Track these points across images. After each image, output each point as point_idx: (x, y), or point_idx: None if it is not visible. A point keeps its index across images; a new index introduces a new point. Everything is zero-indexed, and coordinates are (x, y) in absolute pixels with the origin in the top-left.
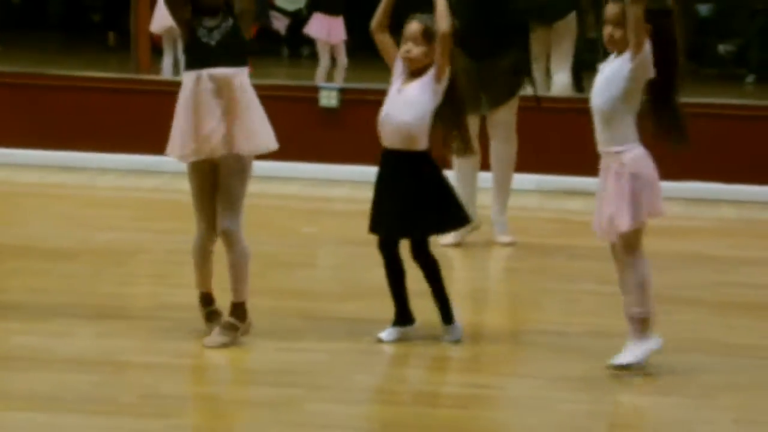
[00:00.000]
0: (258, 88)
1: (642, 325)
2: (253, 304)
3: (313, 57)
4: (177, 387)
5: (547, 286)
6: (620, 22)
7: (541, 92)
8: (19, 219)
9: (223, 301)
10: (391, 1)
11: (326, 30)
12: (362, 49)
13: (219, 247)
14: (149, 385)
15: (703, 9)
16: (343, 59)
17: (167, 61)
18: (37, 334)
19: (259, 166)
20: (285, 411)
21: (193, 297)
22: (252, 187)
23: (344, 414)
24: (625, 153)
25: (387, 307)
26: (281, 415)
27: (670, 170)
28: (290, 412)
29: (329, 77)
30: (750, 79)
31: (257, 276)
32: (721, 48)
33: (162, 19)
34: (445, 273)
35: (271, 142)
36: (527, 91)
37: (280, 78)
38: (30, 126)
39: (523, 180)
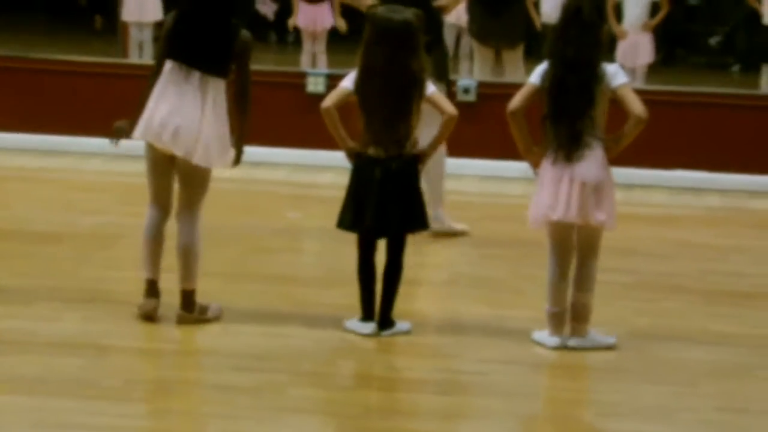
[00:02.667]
0: None
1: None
2: (236, 289)
3: (300, 43)
4: (161, 371)
5: (528, 273)
6: None
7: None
8: (4, 203)
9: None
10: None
11: (312, 19)
12: (348, 35)
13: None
14: (133, 369)
15: None
16: (320, 47)
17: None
18: (21, 317)
19: (246, 152)
20: (268, 396)
21: (177, 282)
22: (239, 172)
23: (327, 399)
24: None
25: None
26: (264, 400)
27: (656, 159)
28: (273, 398)
29: (314, 64)
30: (736, 68)
31: (241, 261)
32: (712, 41)
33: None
34: (423, 260)
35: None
36: None
37: (267, 64)
38: (15, 109)
39: (508, 167)
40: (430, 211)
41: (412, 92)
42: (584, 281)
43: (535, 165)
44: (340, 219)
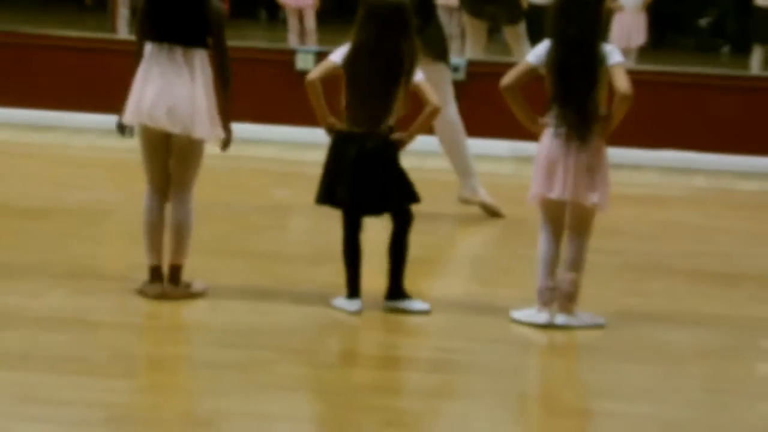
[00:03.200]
0: (234, 51)
1: None
2: (224, 266)
3: None
4: (147, 347)
5: (518, 252)
6: None
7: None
8: None
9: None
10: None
11: None
12: (336, 12)
13: None
14: (120, 345)
15: None
16: (310, 23)
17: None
18: (7, 293)
19: (235, 129)
20: (255, 373)
21: (163, 257)
22: (228, 150)
23: (314, 377)
24: None
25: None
26: (251, 376)
27: (644, 139)
28: (260, 374)
29: (302, 41)
30: (726, 49)
31: (229, 238)
32: (702, 22)
33: None
34: (412, 239)
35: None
36: None
37: (257, 41)
38: (4, 84)
39: (497, 146)
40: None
41: (400, 73)
42: (575, 260)
43: (540, 134)
44: (317, 194)
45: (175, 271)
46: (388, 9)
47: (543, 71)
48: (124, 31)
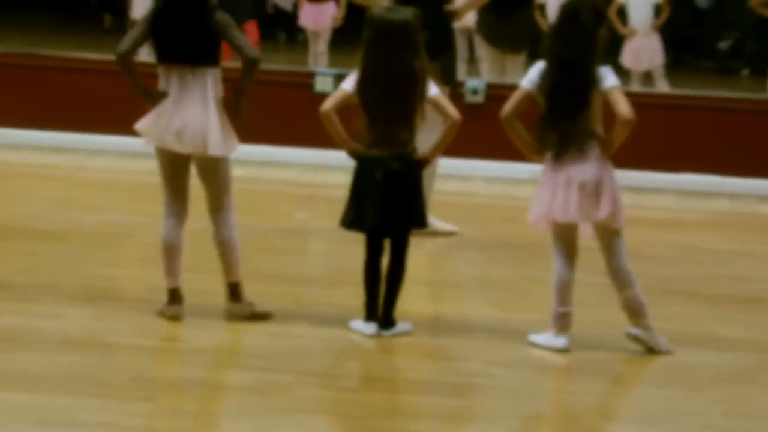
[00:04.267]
0: None
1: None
2: (244, 288)
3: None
4: (165, 370)
5: (535, 275)
6: None
7: None
8: (9, 199)
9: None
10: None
11: (312, 19)
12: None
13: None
14: (137, 367)
15: (702, 1)
16: (322, 47)
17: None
18: (25, 315)
19: (254, 151)
20: (274, 396)
21: (182, 280)
22: (247, 172)
23: (334, 400)
24: None
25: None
26: (270, 400)
27: (663, 162)
28: (279, 398)
29: (314, 63)
30: (745, 72)
31: (248, 260)
32: (722, 45)
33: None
34: (430, 261)
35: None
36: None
37: (276, 63)
38: (23, 106)
39: (516, 169)
40: None
41: (414, 91)
42: (620, 279)
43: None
44: (343, 218)
45: (233, 288)
46: (395, 27)
47: (536, 95)
48: (143, 53)
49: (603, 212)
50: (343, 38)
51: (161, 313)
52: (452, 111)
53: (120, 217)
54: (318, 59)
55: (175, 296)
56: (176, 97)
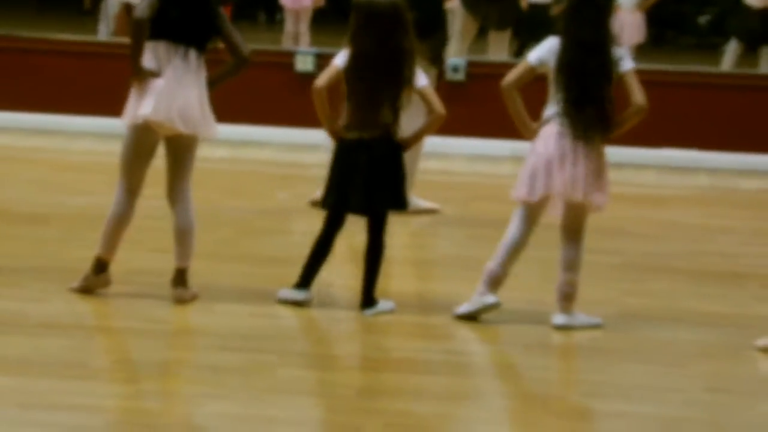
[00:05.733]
0: None
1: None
2: (225, 269)
3: None
4: (149, 352)
5: (522, 254)
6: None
7: None
8: None
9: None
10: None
11: None
12: (336, 13)
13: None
14: (121, 349)
15: None
16: (303, 26)
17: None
18: (8, 298)
19: (234, 131)
20: (257, 377)
21: (166, 262)
22: (227, 152)
23: (317, 380)
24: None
25: (360, 274)
26: (253, 380)
27: (644, 137)
28: (262, 378)
29: (295, 43)
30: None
31: (230, 241)
32: (701, 20)
33: None
34: (412, 240)
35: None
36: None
37: (256, 43)
38: (3, 89)
39: (497, 147)
40: None
41: (403, 74)
42: (572, 261)
43: (531, 139)
44: (324, 199)
45: (182, 274)
46: (385, 12)
47: (544, 71)
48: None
49: (602, 197)
50: (323, 18)
51: (88, 286)
52: (438, 105)
53: (103, 200)
54: (300, 39)
55: (103, 267)
56: (175, 76)
